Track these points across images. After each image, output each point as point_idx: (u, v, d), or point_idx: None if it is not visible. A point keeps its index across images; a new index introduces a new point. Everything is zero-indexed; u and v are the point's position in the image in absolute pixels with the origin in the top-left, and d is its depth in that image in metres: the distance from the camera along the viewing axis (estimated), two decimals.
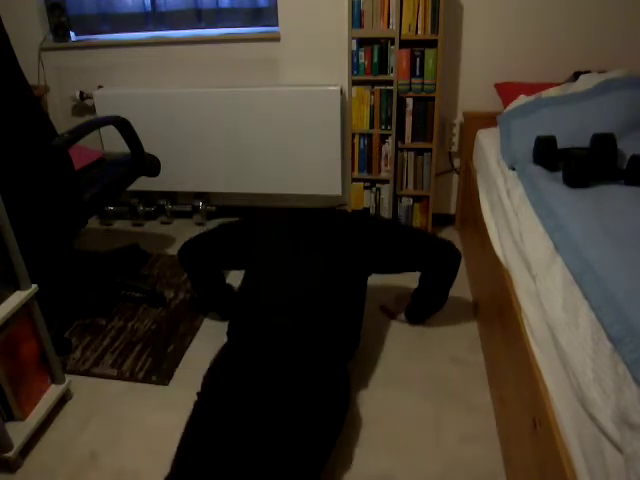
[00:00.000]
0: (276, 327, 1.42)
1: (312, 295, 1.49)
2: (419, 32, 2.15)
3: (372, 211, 2.52)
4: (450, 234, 2.58)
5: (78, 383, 1.70)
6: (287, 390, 1.27)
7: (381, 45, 2.21)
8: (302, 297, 1.48)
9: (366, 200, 2.50)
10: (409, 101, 2.28)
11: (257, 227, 1.73)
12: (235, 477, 1.15)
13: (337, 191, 2.54)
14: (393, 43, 2.18)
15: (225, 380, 1.31)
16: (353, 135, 2.38)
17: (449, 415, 1.52)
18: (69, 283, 2.10)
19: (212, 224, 2.70)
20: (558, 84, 2.04)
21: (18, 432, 1.42)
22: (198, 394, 1.32)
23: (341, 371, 1.41)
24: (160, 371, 1.72)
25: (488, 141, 2.11)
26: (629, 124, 1.74)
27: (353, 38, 2.20)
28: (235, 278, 2.17)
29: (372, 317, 1.97)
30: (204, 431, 1.21)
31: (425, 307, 1.85)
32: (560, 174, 1.57)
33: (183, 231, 2.72)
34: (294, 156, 2.50)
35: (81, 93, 2.61)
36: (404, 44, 2.18)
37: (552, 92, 1.95)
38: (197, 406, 1.29)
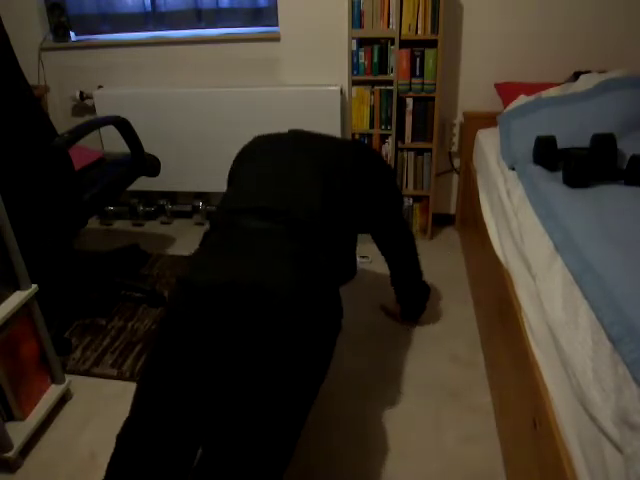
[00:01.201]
0: (256, 231, 1.15)
1: (303, 203, 1.22)
2: (419, 32, 2.15)
3: None
4: (450, 234, 2.59)
5: (78, 383, 1.70)
6: (273, 308, 1.03)
7: (381, 45, 2.21)
8: (291, 203, 1.21)
9: None
10: (409, 101, 2.28)
11: (242, 155, 1.52)
12: (205, 413, 1.04)
13: None
14: (393, 43, 2.18)
15: (192, 301, 1.07)
16: (353, 135, 2.38)
17: (449, 415, 1.52)
18: (69, 283, 2.10)
19: None
20: (558, 84, 2.04)
21: (18, 432, 1.42)
22: (161, 320, 1.12)
23: (332, 290, 1.17)
24: None
25: (488, 141, 2.11)
26: (629, 124, 1.73)
27: (353, 38, 2.20)
28: None
29: (372, 317, 1.97)
30: (165, 367, 1.06)
31: (410, 301, 1.85)
32: (560, 174, 1.57)
33: (183, 231, 2.73)
34: None
35: (81, 93, 2.61)
36: (404, 44, 2.18)
37: (552, 92, 1.95)
38: (159, 336, 1.10)
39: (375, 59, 2.23)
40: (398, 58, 2.20)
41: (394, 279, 1.82)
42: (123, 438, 1.09)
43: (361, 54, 2.23)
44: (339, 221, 1.30)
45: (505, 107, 2.11)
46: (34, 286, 1.46)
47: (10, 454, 1.37)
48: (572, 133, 1.73)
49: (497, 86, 2.27)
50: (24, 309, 1.45)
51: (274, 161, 1.38)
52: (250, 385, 1.03)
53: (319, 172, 1.33)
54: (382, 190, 1.58)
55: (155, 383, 1.09)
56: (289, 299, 1.04)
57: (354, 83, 2.29)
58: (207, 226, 1.31)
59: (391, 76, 2.25)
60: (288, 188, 1.27)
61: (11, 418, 1.45)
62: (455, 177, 2.59)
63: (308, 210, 1.22)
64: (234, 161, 1.54)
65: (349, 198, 1.37)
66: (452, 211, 2.66)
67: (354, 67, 2.26)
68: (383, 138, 2.37)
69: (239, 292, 1.04)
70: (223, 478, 1.00)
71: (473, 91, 2.38)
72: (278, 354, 1.03)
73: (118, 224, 2.85)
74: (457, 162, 2.54)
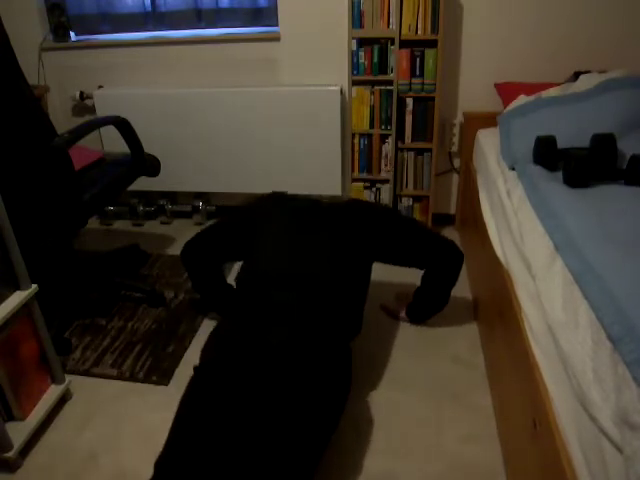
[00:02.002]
0: (277, 302, 1.39)
1: (316, 273, 1.45)
2: (419, 32, 2.15)
3: None
4: (450, 234, 2.58)
5: (78, 383, 1.70)
6: (288, 367, 1.24)
7: (381, 45, 2.21)
8: (305, 274, 1.45)
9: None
10: (409, 101, 2.28)
11: (259, 212, 1.70)
12: (231, 460, 1.14)
13: (337, 191, 2.54)
14: (393, 43, 2.18)
15: (224, 356, 1.28)
16: (353, 135, 2.38)
17: (449, 415, 1.52)
18: (69, 283, 2.10)
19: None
20: (558, 84, 2.05)
21: (18, 432, 1.43)
22: (195, 368, 1.30)
23: (344, 349, 1.38)
24: (160, 371, 1.72)
25: (488, 141, 2.11)
26: (629, 124, 1.74)
27: (353, 38, 2.20)
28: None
29: (372, 317, 1.97)
30: (199, 410, 1.19)
31: (427, 307, 1.84)
32: (560, 174, 1.57)
33: (183, 231, 2.73)
34: (294, 156, 2.50)
35: (81, 93, 2.61)
36: (404, 44, 2.18)
37: (552, 92, 1.95)
38: (193, 382, 1.26)
39: (375, 59, 2.23)
40: (398, 58, 2.20)
41: (424, 282, 1.78)
42: (161, 468, 1.18)
43: (361, 54, 2.23)
44: (348, 285, 1.49)
45: (505, 107, 2.11)
46: (34, 286, 1.46)
47: (10, 454, 1.37)
48: (572, 133, 1.73)
49: (497, 86, 2.27)
50: (24, 309, 1.45)
51: (294, 232, 1.58)
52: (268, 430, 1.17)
53: (330, 245, 1.54)
54: (390, 231, 1.67)
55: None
56: (310, 361, 1.27)
57: (354, 83, 2.29)
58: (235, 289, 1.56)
59: (391, 76, 2.25)
60: (302, 262, 1.48)
61: (11, 418, 1.45)
62: (455, 177, 2.59)
63: (320, 280, 1.44)
64: (250, 211, 1.73)
65: (359, 258, 1.57)
66: (452, 211, 2.66)
67: (354, 67, 2.26)
68: (383, 138, 2.37)
69: (269, 352, 1.27)
70: None
71: (473, 91, 2.38)
72: (285, 411, 1.18)
73: (118, 224, 2.85)
74: (457, 162, 2.54)
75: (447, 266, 1.72)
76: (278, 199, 1.73)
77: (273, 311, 1.37)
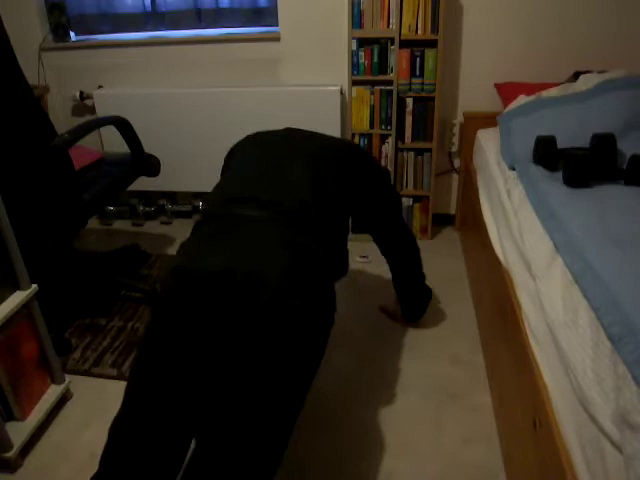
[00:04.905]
0: (247, 218, 1.14)
1: (296, 195, 1.21)
2: (419, 32, 2.15)
3: None
4: (450, 234, 2.59)
5: (78, 383, 1.70)
6: (252, 300, 1.02)
7: (381, 45, 2.21)
8: (284, 195, 1.19)
9: None
10: (409, 101, 2.28)
11: (234, 148, 1.51)
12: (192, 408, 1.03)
13: None
14: (393, 43, 2.18)
15: (180, 291, 1.06)
16: (353, 135, 2.38)
17: (449, 415, 1.52)
18: (69, 283, 2.10)
19: None
20: (558, 84, 2.04)
21: (18, 432, 1.42)
22: (157, 295, 1.11)
23: (327, 283, 1.16)
24: None
25: (488, 141, 2.11)
26: (629, 124, 1.73)
27: (353, 38, 2.20)
28: None
29: (372, 317, 1.97)
30: (157, 358, 1.05)
31: (411, 302, 1.85)
32: (560, 174, 1.57)
33: (183, 231, 2.72)
34: None
35: (81, 93, 2.61)
36: (404, 44, 2.18)
37: (552, 92, 1.95)
38: (156, 309, 1.09)
39: (375, 59, 2.23)
40: (398, 58, 2.20)
41: (396, 281, 1.82)
42: (115, 432, 1.09)
43: (361, 54, 2.23)
44: (331, 216, 1.29)
45: (505, 107, 2.11)
46: (34, 286, 1.46)
47: (10, 454, 1.37)
48: (572, 133, 1.73)
49: (497, 86, 2.27)
50: (24, 309, 1.45)
51: (268, 154, 1.36)
52: (241, 377, 1.02)
53: (312, 167, 1.31)
54: (378, 189, 1.60)
55: (146, 375, 1.07)
56: (283, 289, 1.03)
57: (354, 83, 2.29)
58: (198, 217, 1.28)
59: (391, 76, 2.25)
60: (281, 180, 1.25)
61: (11, 418, 1.45)
62: (455, 177, 2.59)
63: (301, 202, 1.20)
64: (227, 155, 1.53)
65: (342, 195, 1.36)
66: (452, 211, 2.66)
67: (354, 67, 2.26)
68: (383, 138, 2.37)
69: (234, 280, 1.02)
70: (215, 471, 1.00)
71: (473, 91, 2.38)
72: (269, 346, 1.01)
73: (118, 224, 2.85)
74: (457, 162, 2.54)
75: (407, 249, 1.74)
76: (259, 132, 1.52)
77: (246, 230, 1.12)
